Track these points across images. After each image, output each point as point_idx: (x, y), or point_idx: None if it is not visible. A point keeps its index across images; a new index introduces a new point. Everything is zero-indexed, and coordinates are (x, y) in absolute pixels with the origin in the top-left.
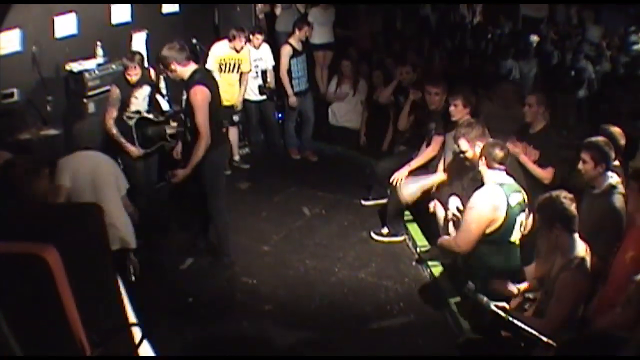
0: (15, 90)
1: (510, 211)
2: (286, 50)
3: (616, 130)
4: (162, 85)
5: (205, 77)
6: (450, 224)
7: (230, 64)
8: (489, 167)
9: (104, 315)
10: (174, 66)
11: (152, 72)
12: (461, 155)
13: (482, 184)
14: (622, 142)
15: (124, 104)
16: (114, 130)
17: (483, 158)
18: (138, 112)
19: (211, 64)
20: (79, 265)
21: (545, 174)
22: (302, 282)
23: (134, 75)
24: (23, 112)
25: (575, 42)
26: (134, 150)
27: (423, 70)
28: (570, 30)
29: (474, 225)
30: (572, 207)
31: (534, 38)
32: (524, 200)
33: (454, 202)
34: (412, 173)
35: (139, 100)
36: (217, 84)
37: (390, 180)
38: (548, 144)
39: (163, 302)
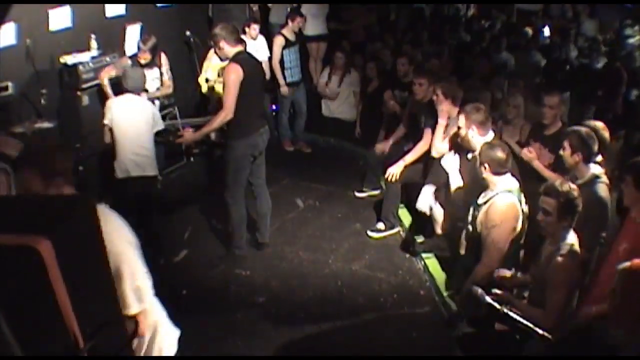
0: (9, 84)
1: (524, 216)
2: (279, 41)
3: (598, 124)
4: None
5: (245, 59)
6: (437, 210)
7: None
8: (496, 173)
9: (97, 307)
10: (222, 44)
11: (163, 57)
12: (457, 128)
13: (487, 189)
14: (606, 135)
15: None
16: (106, 82)
17: (486, 165)
18: (146, 90)
19: (211, 73)
20: (72, 258)
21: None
22: (295, 274)
23: (143, 59)
24: (17, 105)
25: (571, 35)
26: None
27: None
28: (565, 24)
29: (502, 243)
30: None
31: (529, 30)
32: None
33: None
34: (407, 167)
35: (148, 79)
36: (261, 71)
37: (386, 176)
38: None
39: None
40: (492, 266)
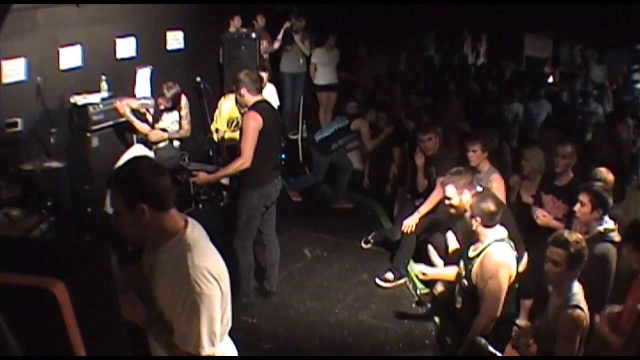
0: (19, 120)
1: (518, 262)
2: (366, 126)
3: (602, 169)
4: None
5: (265, 109)
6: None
7: (236, 121)
8: (487, 226)
9: (109, 352)
10: (243, 91)
11: (184, 99)
12: (446, 201)
13: (477, 240)
14: (611, 178)
15: (154, 119)
16: (128, 112)
17: (477, 218)
18: (164, 130)
19: (220, 123)
20: (86, 303)
21: None
22: (302, 323)
23: (162, 105)
24: (27, 143)
25: (579, 82)
26: (144, 128)
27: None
28: (574, 70)
29: (500, 292)
30: None
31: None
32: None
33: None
34: (422, 219)
35: (167, 122)
36: (279, 121)
37: (402, 228)
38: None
39: None
40: (492, 316)
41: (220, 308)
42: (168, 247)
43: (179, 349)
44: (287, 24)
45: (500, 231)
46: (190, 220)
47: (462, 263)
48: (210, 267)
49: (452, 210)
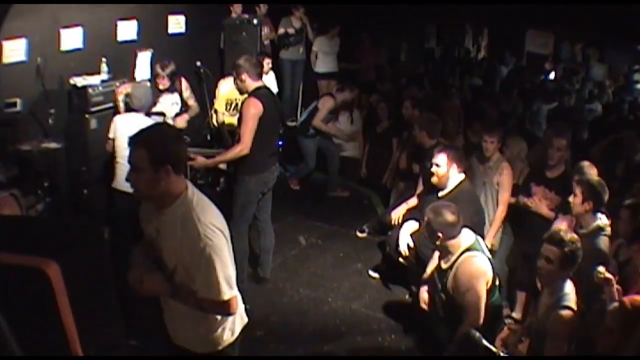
0: (18, 100)
1: (491, 262)
2: (328, 104)
3: (585, 163)
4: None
5: (265, 95)
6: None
7: (235, 103)
8: (451, 237)
9: (101, 331)
10: (244, 76)
11: (184, 82)
12: (433, 167)
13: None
14: (593, 172)
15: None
16: (120, 98)
17: (439, 233)
18: (162, 114)
19: (218, 104)
20: (79, 281)
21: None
22: (295, 310)
23: (162, 85)
24: (25, 123)
25: (579, 79)
26: None
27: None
28: (575, 68)
29: (479, 300)
30: None
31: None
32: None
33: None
34: (410, 210)
35: (165, 105)
36: (279, 108)
37: (392, 220)
38: (570, 189)
39: (156, 326)
40: (476, 324)
41: (229, 254)
42: (173, 209)
43: (206, 300)
44: (281, 30)
45: (466, 238)
46: (188, 182)
47: (435, 275)
48: (214, 221)
49: (434, 179)
